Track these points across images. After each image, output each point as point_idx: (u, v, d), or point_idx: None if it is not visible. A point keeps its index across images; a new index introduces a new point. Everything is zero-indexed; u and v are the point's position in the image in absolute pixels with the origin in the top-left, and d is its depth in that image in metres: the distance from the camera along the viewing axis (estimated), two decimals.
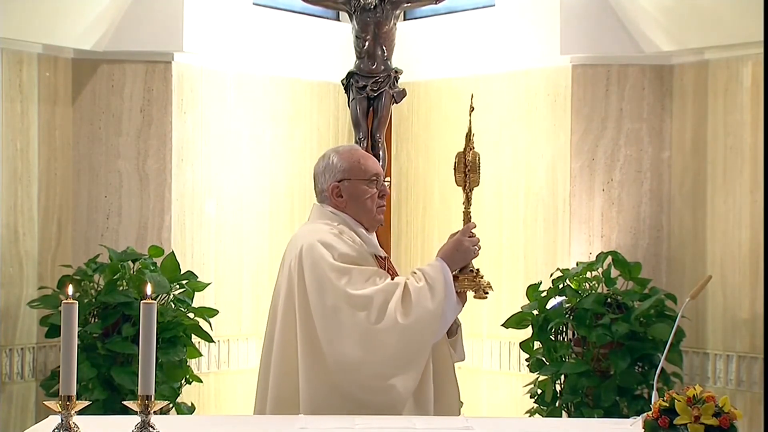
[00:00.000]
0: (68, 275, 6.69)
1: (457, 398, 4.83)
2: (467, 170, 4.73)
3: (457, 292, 4.66)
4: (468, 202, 4.76)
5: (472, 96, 4.79)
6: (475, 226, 4.75)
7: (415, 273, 4.71)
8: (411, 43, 7.81)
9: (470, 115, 4.77)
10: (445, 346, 4.79)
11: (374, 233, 4.92)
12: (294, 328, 4.67)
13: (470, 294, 4.73)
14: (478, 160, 4.75)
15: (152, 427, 3.73)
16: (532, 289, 6.94)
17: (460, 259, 4.72)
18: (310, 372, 4.62)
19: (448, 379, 4.78)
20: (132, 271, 6.71)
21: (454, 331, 4.86)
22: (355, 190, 4.81)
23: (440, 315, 4.61)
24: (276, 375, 4.73)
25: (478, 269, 4.76)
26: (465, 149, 4.75)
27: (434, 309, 4.60)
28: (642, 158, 7.29)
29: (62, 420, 3.69)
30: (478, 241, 4.75)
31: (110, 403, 6.38)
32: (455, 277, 4.68)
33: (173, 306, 6.71)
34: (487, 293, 4.73)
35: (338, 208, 4.83)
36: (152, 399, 3.73)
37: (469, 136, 4.76)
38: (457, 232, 4.78)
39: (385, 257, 4.87)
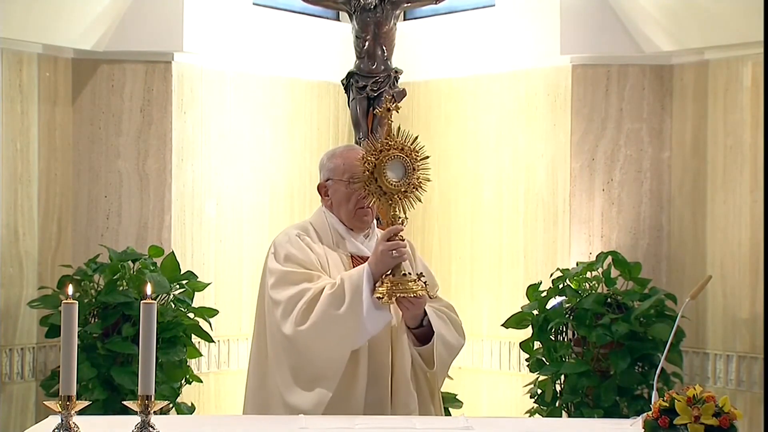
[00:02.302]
0: (68, 275, 6.69)
1: (413, 407, 4.75)
2: (371, 173, 4.64)
3: (379, 297, 4.59)
4: (391, 207, 4.65)
5: (386, 97, 4.74)
6: (399, 230, 4.64)
7: (339, 278, 4.71)
8: (411, 43, 7.81)
9: (389, 115, 4.71)
10: (398, 353, 4.74)
11: (371, 232, 4.92)
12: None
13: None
14: (388, 162, 4.63)
15: (152, 427, 3.74)
16: (532, 289, 6.94)
17: (381, 263, 4.63)
18: (255, 365, 4.82)
19: (395, 387, 4.72)
20: (132, 271, 6.70)
21: (425, 339, 4.79)
22: (336, 190, 4.88)
23: (352, 321, 4.57)
24: (252, 374, 4.86)
25: (419, 274, 4.67)
26: (366, 152, 4.65)
27: (343, 315, 4.58)
28: (642, 158, 7.29)
29: (62, 420, 3.69)
30: (399, 246, 4.61)
31: (110, 403, 6.38)
32: (382, 282, 4.61)
33: (173, 306, 6.71)
34: (422, 295, 4.63)
35: (326, 207, 4.92)
36: (152, 399, 3.73)
37: (385, 138, 4.67)
38: None
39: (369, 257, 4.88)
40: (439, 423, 4.48)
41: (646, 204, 7.29)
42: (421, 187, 4.69)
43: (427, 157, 4.72)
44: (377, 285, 4.61)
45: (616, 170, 7.30)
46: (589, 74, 7.32)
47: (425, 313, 4.74)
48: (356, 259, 4.84)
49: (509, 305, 7.24)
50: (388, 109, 4.71)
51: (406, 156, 4.66)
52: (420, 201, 4.70)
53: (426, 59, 7.97)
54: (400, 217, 4.67)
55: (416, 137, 4.71)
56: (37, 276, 6.89)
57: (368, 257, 4.82)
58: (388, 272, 4.63)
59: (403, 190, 4.65)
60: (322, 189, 4.92)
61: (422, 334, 4.79)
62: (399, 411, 4.70)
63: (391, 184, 4.63)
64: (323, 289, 4.65)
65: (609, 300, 6.79)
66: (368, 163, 4.64)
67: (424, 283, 4.66)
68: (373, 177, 4.64)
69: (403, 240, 4.67)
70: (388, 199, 4.66)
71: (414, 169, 4.66)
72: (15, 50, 6.79)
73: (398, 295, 4.59)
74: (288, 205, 7.81)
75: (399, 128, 4.69)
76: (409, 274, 4.66)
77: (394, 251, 4.61)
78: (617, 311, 6.74)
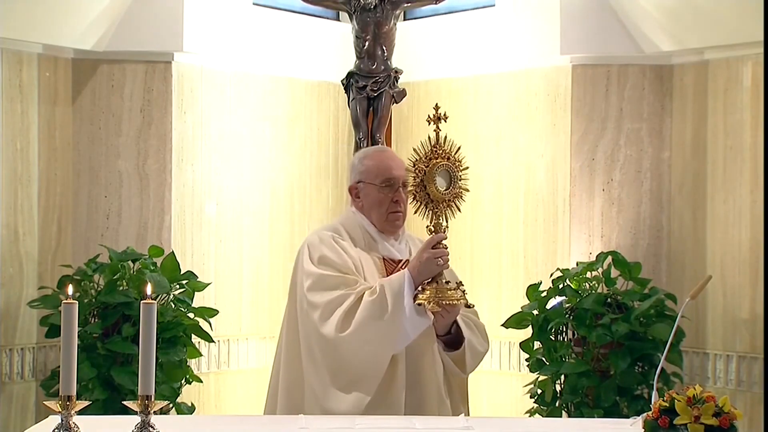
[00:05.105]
0: (68, 275, 6.69)
1: (446, 412, 4.78)
2: (422, 181, 4.65)
3: (420, 304, 4.61)
4: (435, 215, 4.68)
5: (437, 106, 4.74)
6: (443, 238, 4.67)
7: (378, 284, 4.72)
8: (411, 43, 7.81)
9: (437, 124, 4.71)
10: (429, 359, 4.76)
11: (401, 235, 4.91)
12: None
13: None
14: (438, 170, 4.64)
15: (152, 427, 3.74)
16: (532, 289, 6.94)
17: (424, 271, 4.66)
18: (286, 367, 4.79)
19: (428, 392, 4.75)
20: (132, 271, 6.70)
21: (453, 343, 4.82)
22: (368, 193, 4.88)
23: (392, 327, 4.60)
24: (284, 374, 4.84)
25: (458, 282, 4.71)
26: (417, 160, 4.66)
27: (385, 322, 4.60)
28: (642, 158, 7.29)
29: (62, 420, 3.69)
30: (443, 254, 4.65)
31: (110, 403, 6.38)
32: (423, 290, 4.65)
33: (173, 306, 6.71)
34: (464, 304, 4.67)
35: (357, 208, 4.92)
36: (152, 399, 3.73)
37: (434, 146, 4.68)
38: None
39: (400, 260, 4.88)
40: (439, 423, 4.48)
41: (646, 204, 7.29)
42: (461, 197, 4.70)
43: (467, 168, 4.72)
44: (418, 292, 4.62)
45: (616, 170, 7.30)
46: (589, 74, 7.32)
47: (455, 321, 4.77)
48: (388, 262, 4.85)
49: (509, 305, 7.24)
50: (439, 118, 4.71)
51: (452, 165, 4.67)
52: (459, 211, 4.71)
53: (426, 59, 7.97)
54: (443, 226, 4.68)
55: (459, 147, 4.71)
56: (37, 276, 6.89)
57: (400, 260, 4.84)
58: (429, 279, 4.65)
59: (447, 199, 4.66)
60: (353, 191, 4.92)
61: (450, 340, 4.82)
62: (433, 415, 4.72)
63: (439, 193, 4.64)
64: (363, 294, 4.66)
65: (609, 300, 6.79)
66: (419, 171, 4.65)
67: (463, 291, 4.68)
68: (423, 184, 4.64)
69: (447, 248, 4.67)
70: (434, 207, 4.66)
71: (458, 179, 4.67)
72: (15, 50, 6.79)
73: (444, 302, 4.62)
74: (288, 205, 7.82)
75: (446, 137, 4.69)
76: (449, 282, 4.68)
77: (439, 259, 4.63)
78: (617, 311, 6.74)
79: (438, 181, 4.66)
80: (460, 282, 4.73)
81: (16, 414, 6.81)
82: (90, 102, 7.18)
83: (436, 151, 4.67)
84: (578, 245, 7.28)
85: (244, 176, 7.60)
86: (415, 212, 4.72)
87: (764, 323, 6.37)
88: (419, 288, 4.64)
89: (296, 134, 7.87)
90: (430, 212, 4.67)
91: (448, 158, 4.68)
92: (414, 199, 4.67)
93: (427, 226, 4.73)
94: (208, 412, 7.28)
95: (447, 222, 4.70)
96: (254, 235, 7.63)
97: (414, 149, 4.69)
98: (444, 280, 4.67)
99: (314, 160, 7.95)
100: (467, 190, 4.72)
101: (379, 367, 4.62)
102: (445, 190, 4.66)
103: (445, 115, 4.72)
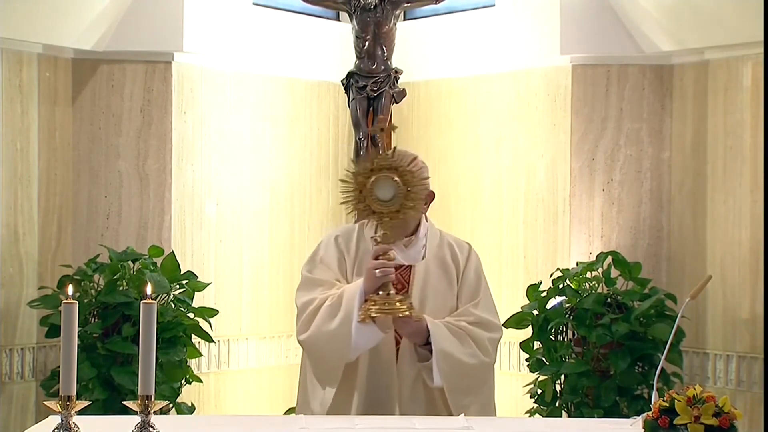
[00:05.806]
0: (68, 275, 6.69)
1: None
2: (360, 192, 4.64)
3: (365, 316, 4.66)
4: (382, 226, 4.66)
5: (381, 117, 4.74)
6: (386, 250, 4.67)
7: (340, 291, 4.78)
8: (411, 43, 7.81)
9: (383, 135, 4.71)
10: (398, 367, 4.79)
11: (415, 240, 4.90)
12: None
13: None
14: (378, 182, 4.62)
15: (152, 427, 3.74)
16: (532, 289, 6.94)
17: (368, 281, 4.68)
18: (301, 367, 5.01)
19: (386, 398, 4.78)
20: (132, 271, 6.71)
21: (426, 355, 4.81)
22: None
23: (342, 335, 4.65)
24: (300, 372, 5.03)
25: (405, 294, 4.71)
26: (356, 173, 4.65)
27: (335, 329, 4.67)
28: (642, 158, 7.29)
29: (62, 420, 3.70)
30: (383, 266, 4.64)
31: (110, 403, 6.39)
32: (369, 300, 4.66)
33: (173, 306, 6.71)
34: (409, 315, 4.66)
35: None
36: (152, 399, 3.74)
37: (376, 158, 4.67)
38: None
39: (402, 266, 4.86)
40: (439, 423, 4.49)
41: (646, 204, 7.29)
42: (413, 208, 4.66)
43: (427, 178, 4.70)
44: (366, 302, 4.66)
45: (616, 170, 7.30)
46: (589, 74, 7.32)
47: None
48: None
49: (509, 305, 7.24)
50: (382, 129, 4.73)
51: (400, 176, 4.64)
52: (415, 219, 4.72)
53: (426, 59, 7.97)
54: (389, 237, 4.67)
55: (414, 158, 4.68)
56: (37, 276, 6.89)
57: (402, 265, 4.83)
58: (376, 290, 4.67)
59: (395, 209, 4.63)
60: None
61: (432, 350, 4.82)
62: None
63: (380, 204, 4.62)
64: (326, 299, 4.74)
65: (609, 300, 6.79)
66: (358, 183, 4.64)
67: (410, 303, 4.67)
68: (362, 196, 4.63)
69: (393, 260, 4.67)
70: (378, 218, 4.65)
71: (408, 190, 4.64)
72: (15, 50, 6.79)
73: (372, 314, 4.63)
74: (288, 205, 7.81)
75: (395, 148, 4.67)
76: (393, 294, 4.67)
77: (377, 271, 4.64)
78: (617, 311, 6.74)
79: (379, 192, 4.63)
80: (407, 294, 4.72)
81: (16, 414, 6.81)
82: (90, 102, 7.18)
83: (379, 163, 4.65)
84: (578, 245, 7.28)
85: (244, 176, 7.60)
86: (356, 221, 4.78)
87: (764, 323, 6.36)
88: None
89: (296, 134, 7.87)
90: (376, 223, 4.67)
91: (397, 169, 4.65)
92: (354, 209, 4.67)
93: (372, 237, 4.73)
94: (208, 412, 7.28)
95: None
96: (254, 235, 7.63)
97: (352, 161, 4.71)
98: (387, 292, 4.66)
99: (314, 160, 7.95)
100: (422, 200, 4.71)
101: (333, 371, 4.70)
102: (388, 201, 4.63)
103: (390, 126, 4.72)
